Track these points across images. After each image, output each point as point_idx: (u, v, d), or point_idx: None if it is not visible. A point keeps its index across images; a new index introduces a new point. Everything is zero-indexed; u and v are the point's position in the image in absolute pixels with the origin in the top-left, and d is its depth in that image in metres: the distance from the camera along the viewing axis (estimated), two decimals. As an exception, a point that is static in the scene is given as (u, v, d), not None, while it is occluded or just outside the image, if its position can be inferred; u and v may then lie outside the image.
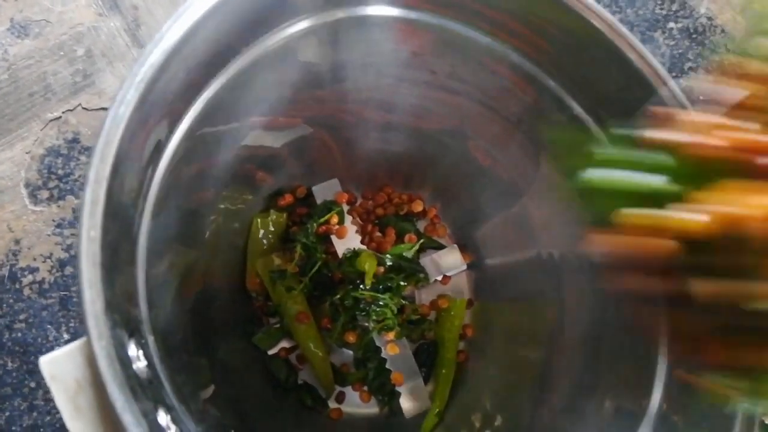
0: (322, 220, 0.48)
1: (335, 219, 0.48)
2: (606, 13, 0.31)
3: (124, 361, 0.25)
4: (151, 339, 0.29)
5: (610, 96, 0.33)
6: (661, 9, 0.69)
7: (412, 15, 0.35)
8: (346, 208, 0.50)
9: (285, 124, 0.42)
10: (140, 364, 0.27)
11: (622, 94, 0.33)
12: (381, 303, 0.44)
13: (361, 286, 0.45)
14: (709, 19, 0.70)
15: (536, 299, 0.49)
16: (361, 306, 0.45)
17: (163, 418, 0.27)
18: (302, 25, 0.34)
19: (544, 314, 0.47)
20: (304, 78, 0.38)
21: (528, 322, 0.49)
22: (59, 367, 0.24)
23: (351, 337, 0.47)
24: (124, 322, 0.26)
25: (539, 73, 0.36)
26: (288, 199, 0.49)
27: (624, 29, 0.31)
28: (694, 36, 0.69)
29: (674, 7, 0.70)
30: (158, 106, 0.29)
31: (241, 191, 0.45)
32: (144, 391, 0.26)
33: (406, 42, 0.37)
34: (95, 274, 0.24)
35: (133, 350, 0.26)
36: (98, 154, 0.25)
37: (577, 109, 0.35)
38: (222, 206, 0.43)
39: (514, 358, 0.49)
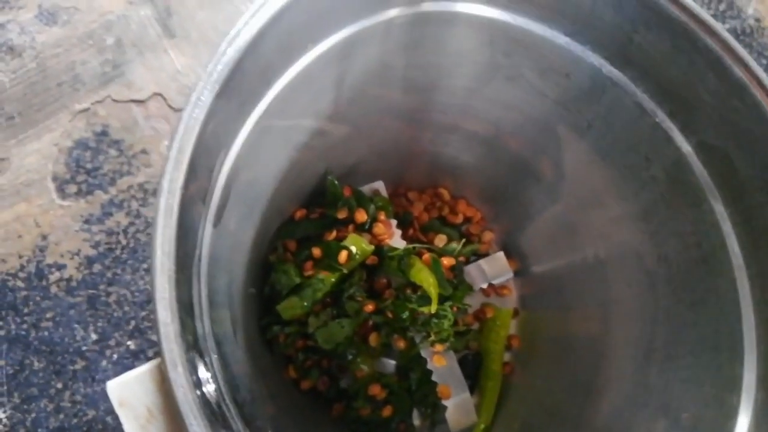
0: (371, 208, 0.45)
1: (383, 214, 0.46)
2: (706, 15, 0.29)
3: (198, 387, 0.23)
4: (214, 357, 0.27)
5: (701, 104, 0.31)
6: (708, 9, 0.67)
7: (495, 14, 0.33)
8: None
9: (339, 123, 0.40)
10: (210, 387, 0.25)
11: (714, 102, 0.31)
12: (442, 314, 0.42)
13: (424, 308, 0.43)
14: (757, 20, 0.68)
15: (586, 309, 0.47)
16: (419, 320, 0.43)
17: (233, 446, 0.25)
18: (385, 16, 0.32)
19: (594, 325, 0.46)
20: (367, 77, 0.36)
21: (576, 332, 0.48)
22: (129, 393, 0.22)
23: (401, 344, 0.45)
24: (193, 342, 0.24)
25: (621, 78, 0.34)
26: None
27: (727, 35, 0.28)
28: (741, 38, 0.67)
29: (721, 7, 0.68)
30: (229, 108, 0.26)
31: (287, 195, 0.43)
32: (216, 417, 0.24)
33: (484, 43, 0.35)
34: (170, 292, 0.22)
35: (203, 372, 0.24)
36: (172, 161, 0.23)
37: (661, 116, 0.33)
38: (269, 211, 0.40)
39: (562, 370, 0.47)
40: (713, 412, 0.33)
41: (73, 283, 0.53)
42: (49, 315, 0.52)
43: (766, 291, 0.32)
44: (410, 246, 0.45)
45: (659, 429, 0.38)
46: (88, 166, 0.56)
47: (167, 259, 0.22)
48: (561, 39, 0.34)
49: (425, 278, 0.42)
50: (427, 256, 0.45)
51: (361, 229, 0.46)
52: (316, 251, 0.44)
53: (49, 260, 0.53)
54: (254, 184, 0.35)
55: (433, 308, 0.42)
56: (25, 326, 0.52)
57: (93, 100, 0.57)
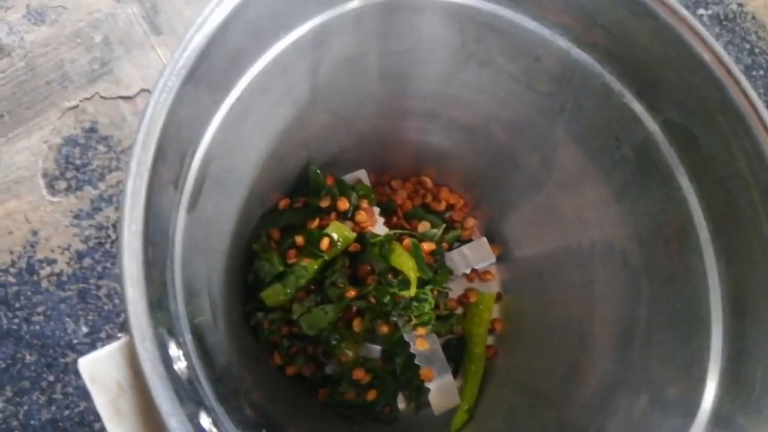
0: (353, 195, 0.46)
1: (366, 202, 0.47)
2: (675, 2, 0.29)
3: (167, 363, 0.24)
4: (189, 338, 0.28)
5: (665, 83, 0.32)
6: None
7: (466, 0, 0.33)
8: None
9: (318, 112, 0.40)
10: (181, 365, 0.25)
11: (677, 81, 0.31)
12: (422, 297, 0.43)
13: (403, 292, 0.43)
14: (740, 5, 0.68)
15: (567, 291, 0.48)
16: (400, 304, 0.43)
17: (205, 420, 0.25)
18: (355, 4, 0.32)
19: (576, 307, 0.46)
20: (342, 65, 0.37)
21: (558, 315, 0.48)
22: (100, 369, 0.23)
23: (384, 328, 0.45)
24: (163, 320, 0.25)
25: (588, 60, 0.34)
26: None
27: (686, 12, 0.29)
28: (724, 23, 0.68)
29: None
30: (198, 94, 0.27)
31: (269, 184, 0.43)
32: (187, 393, 0.24)
33: (455, 29, 0.35)
34: (137, 270, 0.23)
35: (173, 350, 0.25)
36: (140, 144, 0.24)
37: (628, 96, 0.34)
38: (249, 199, 0.41)
39: (545, 353, 0.48)
40: (684, 384, 0.34)
41: (64, 278, 0.54)
42: (40, 309, 0.53)
43: (730, 264, 0.32)
44: (391, 232, 0.46)
45: (641, 405, 0.38)
46: (78, 162, 0.57)
47: (134, 239, 0.23)
48: (529, 23, 0.34)
49: (405, 262, 0.43)
50: (407, 241, 0.45)
51: (343, 217, 0.47)
52: (299, 239, 0.45)
53: (40, 255, 0.54)
54: (232, 172, 0.35)
55: (412, 291, 0.42)
56: (16, 321, 0.53)
57: (81, 97, 0.58)
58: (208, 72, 0.27)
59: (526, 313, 0.51)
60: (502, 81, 0.39)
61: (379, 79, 0.40)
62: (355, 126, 0.45)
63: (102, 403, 0.23)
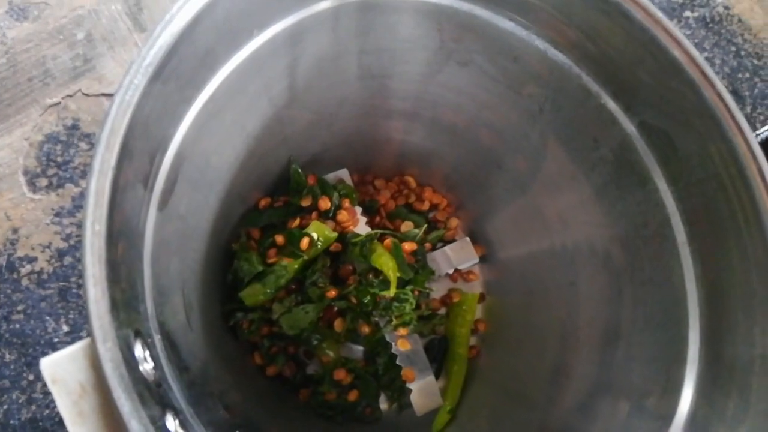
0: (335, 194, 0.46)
1: (347, 202, 0.46)
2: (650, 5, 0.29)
3: (131, 364, 0.23)
4: (157, 338, 0.28)
5: (641, 84, 0.32)
6: None
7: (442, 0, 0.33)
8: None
9: (297, 111, 0.40)
10: (147, 366, 0.25)
11: (653, 83, 0.31)
12: (403, 297, 0.43)
13: (383, 292, 0.43)
14: (726, 8, 0.68)
15: (550, 293, 0.48)
16: (381, 304, 0.43)
17: (171, 423, 0.25)
18: (331, 3, 0.32)
19: (558, 308, 0.46)
20: (320, 63, 0.37)
21: (542, 316, 0.48)
22: (62, 370, 0.23)
23: (366, 329, 0.45)
24: (129, 321, 0.25)
25: (566, 61, 0.34)
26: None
27: (661, 15, 0.29)
28: (710, 25, 0.68)
29: None
30: (167, 92, 0.27)
31: (248, 183, 0.43)
32: (152, 394, 0.24)
33: (433, 28, 0.35)
34: (100, 270, 0.22)
35: (139, 351, 0.25)
36: (103, 142, 0.23)
37: (605, 98, 0.34)
38: (228, 198, 0.41)
39: (528, 354, 0.48)
40: (662, 388, 0.34)
41: (44, 276, 0.53)
42: (20, 308, 0.53)
43: (706, 267, 0.32)
44: (372, 232, 0.46)
45: (622, 410, 0.38)
46: (59, 159, 0.56)
47: (97, 238, 0.23)
48: (506, 23, 0.34)
49: (385, 262, 0.43)
50: (388, 241, 0.45)
51: (325, 216, 0.47)
52: (279, 238, 0.45)
53: (20, 253, 0.54)
54: (207, 170, 0.35)
55: (392, 292, 0.42)
56: None
57: (64, 94, 0.58)
58: (178, 70, 0.27)
59: (509, 314, 0.51)
60: (482, 81, 0.39)
61: (358, 78, 0.40)
62: (336, 125, 0.45)
63: (64, 404, 0.22)
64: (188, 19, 0.26)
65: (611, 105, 0.34)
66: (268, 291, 0.44)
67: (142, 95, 0.25)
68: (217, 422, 0.30)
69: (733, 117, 0.29)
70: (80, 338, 0.52)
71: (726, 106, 0.29)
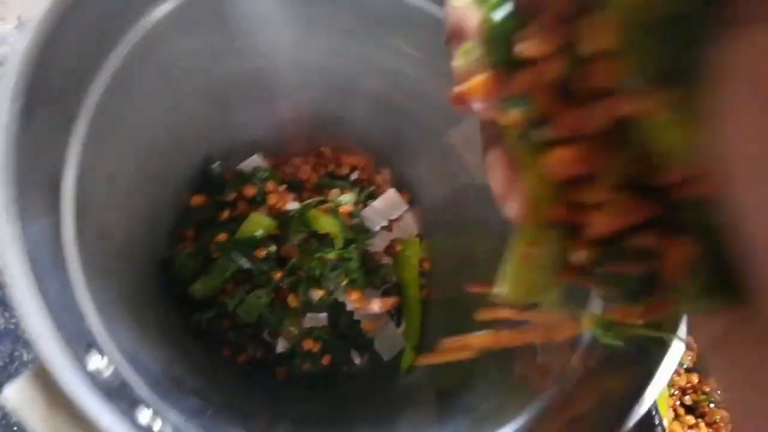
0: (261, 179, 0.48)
1: (272, 184, 0.48)
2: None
3: (91, 374, 0.25)
4: (112, 345, 0.29)
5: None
6: None
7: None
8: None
9: (190, 107, 0.42)
10: (107, 373, 0.27)
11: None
12: (346, 256, 0.45)
13: (328, 250, 0.46)
14: None
15: (480, 225, 0.50)
16: (327, 266, 0.46)
17: (145, 414, 0.27)
18: (165, 8, 0.34)
19: (491, 239, 0.49)
20: (193, 57, 0.38)
21: (477, 247, 0.51)
22: (23, 396, 0.24)
23: (318, 293, 0.47)
24: (76, 336, 0.27)
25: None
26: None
27: None
28: None
29: None
30: (45, 119, 0.28)
31: (166, 187, 0.45)
32: (118, 395, 0.26)
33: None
34: (34, 304, 0.24)
35: (96, 360, 0.27)
36: None
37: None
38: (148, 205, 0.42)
39: (469, 277, 0.51)
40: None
41: None
42: None
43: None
44: (308, 201, 0.48)
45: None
46: None
47: (21, 278, 0.24)
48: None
49: (327, 222, 0.45)
50: (324, 207, 0.48)
51: (254, 202, 0.49)
52: (222, 236, 0.47)
53: None
54: (114, 185, 0.36)
55: (336, 250, 0.45)
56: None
57: None
58: (47, 94, 0.28)
59: (448, 250, 0.54)
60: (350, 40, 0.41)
61: (235, 60, 0.42)
62: (234, 113, 0.47)
63: (36, 425, 0.24)
64: (40, 41, 0.27)
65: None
66: (216, 282, 0.46)
67: (19, 127, 0.26)
68: (192, 409, 0.33)
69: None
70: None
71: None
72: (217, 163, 0.49)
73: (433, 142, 0.50)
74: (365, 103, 0.50)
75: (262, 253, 0.46)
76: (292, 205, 0.49)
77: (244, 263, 0.45)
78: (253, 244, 0.46)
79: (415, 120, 0.50)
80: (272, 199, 0.49)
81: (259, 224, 0.46)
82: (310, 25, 0.39)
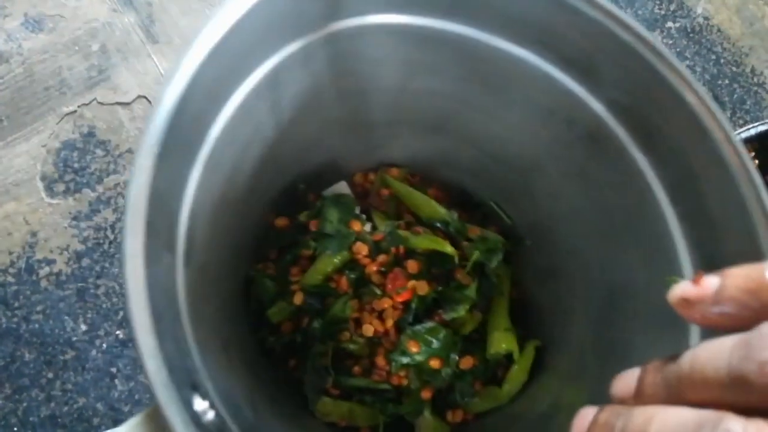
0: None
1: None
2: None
3: (195, 419, 0.26)
4: (210, 386, 0.30)
5: (602, 67, 0.34)
6: (660, 9, 0.72)
7: (404, 20, 0.35)
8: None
9: (287, 143, 0.42)
10: (210, 415, 0.28)
11: (612, 64, 0.33)
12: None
13: None
14: (706, 18, 0.72)
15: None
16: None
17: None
18: (299, 44, 0.34)
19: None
20: (301, 97, 0.39)
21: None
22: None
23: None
24: (185, 378, 0.27)
25: (527, 54, 0.36)
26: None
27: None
28: (691, 35, 0.72)
29: (672, 7, 0.72)
30: (171, 165, 0.29)
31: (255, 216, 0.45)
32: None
33: (398, 46, 0.37)
34: (151, 342, 0.25)
35: (199, 404, 0.28)
36: (128, 229, 0.26)
37: (569, 82, 0.36)
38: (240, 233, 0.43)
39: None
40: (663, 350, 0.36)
41: (63, 277, 0.56)
42: (39, 308, 0.55)
43: (695, 229, 0.34)
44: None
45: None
46: (76, 165, 0.59)
47: (142, 314, 0.25)
48: (467, 30, 0.36)
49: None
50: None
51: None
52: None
53: (39, 256, 0.56)
54: (216, 219, 0.37)
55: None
56: (15, 320, 0.55)
57: (79, 103, 0.60)
58: (177, 142, 0.29)
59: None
60: (452, 84, 0.41)
61: (337, 100, 0.42)
62: (324, 146, 0.47)
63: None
64: (180, 92, 0.28)
65: (577, 88, 0.36)
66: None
67: (153, 175, 0.27)
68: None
69: (690, 87, 0.31)
70: (98, 337, 0.55)
71: (680, 76, 0.31)
72: (303, 186, 0.49)
73: (504, 173, 0.50)
74: (443, 139, 0.50)
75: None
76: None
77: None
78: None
79: (487, 153, 0.49)
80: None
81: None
82: (415, 69, 0.40)
